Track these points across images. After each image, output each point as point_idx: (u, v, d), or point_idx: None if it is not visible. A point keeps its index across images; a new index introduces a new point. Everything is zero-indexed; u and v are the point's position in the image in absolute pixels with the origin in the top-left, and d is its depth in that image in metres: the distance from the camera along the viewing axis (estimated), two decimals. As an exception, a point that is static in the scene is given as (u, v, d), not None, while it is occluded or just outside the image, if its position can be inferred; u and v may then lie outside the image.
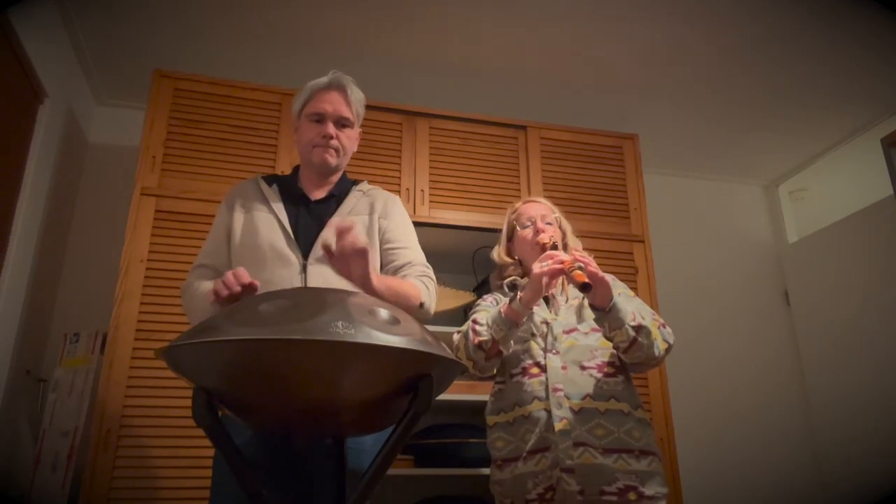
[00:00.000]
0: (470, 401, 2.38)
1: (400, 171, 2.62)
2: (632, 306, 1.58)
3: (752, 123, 3.28)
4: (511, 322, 1.57)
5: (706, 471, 3.13)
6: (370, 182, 1.74)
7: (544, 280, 1.53)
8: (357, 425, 1.14)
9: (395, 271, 1.55)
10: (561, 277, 1.62)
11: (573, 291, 1.71)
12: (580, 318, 1.67)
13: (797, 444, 3.37)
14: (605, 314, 1.52)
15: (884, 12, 2.47)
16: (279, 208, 1.56)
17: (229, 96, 2.52)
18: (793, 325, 3.60)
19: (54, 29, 2.42)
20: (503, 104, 3.05)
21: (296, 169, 1.69)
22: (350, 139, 1.62)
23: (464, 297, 2.65)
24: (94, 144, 2.91)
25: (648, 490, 1.51)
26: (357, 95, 1.62)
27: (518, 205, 1.88)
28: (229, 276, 1.28)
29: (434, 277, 1.59)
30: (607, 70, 2.87)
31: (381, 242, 1.58)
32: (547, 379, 1.58)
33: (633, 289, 2.00)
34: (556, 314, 1.69)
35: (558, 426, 1.53)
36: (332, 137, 1.56)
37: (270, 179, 1.65)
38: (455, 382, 1.77)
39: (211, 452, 1.41)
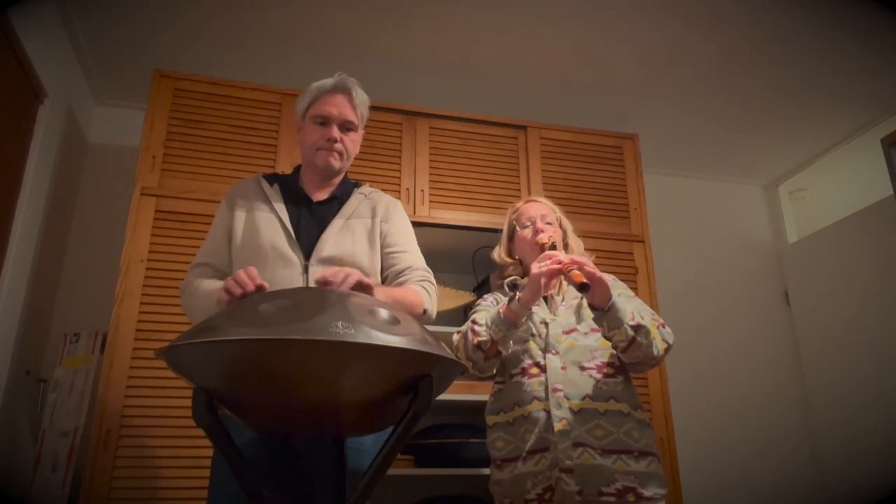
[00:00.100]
0: (470, 401, 2.38)
1: (400, 171, 2.62)
2: (631, 306, 1.58)
3: (752, 123, 3.28)
4: (510, 322, 1.57)
5: (706, 471, 3.13)
6: (370, 182, 1.74)
7: (543, 280, 1.53)
8: (357, 425, 1.14)
9: (396, 275, 1.56)
10: (560, 277, 1.62)
11: (572, 292, 1.71)
12: (579, 318, 1.67)
13: (797, 444, 3.37)
14: (604, 314, 1.52)
15: (884, 12, 2.47)
16: (281, 208, 1.56)
17: (229, 96, 2.52)
18: (793, 325, 3.60)
19: (54, 29, 2.42)
20: (503, 104, 3.05)
21: (297, 169, 1.69)
22: (354, 142, 1.62)
23: (464, 297, 2.65)
24: (94, 144, 2.91)
25: (647, 491, 1.51)
26: (362, 98, 1.62)
27: (519, 204, 1.88)
28: (242, 275, 1.26)
29: (434, 282, 1.59)
30: (607, 70, 2.87)
31: (383, 246, 1.59)
32: (546, 379, 1.58)
33: (633, 289, 2.00)
34: (555, 314, 1.69)
35: (558, 426, 1.53)
36: (336, 141, 1.56)
37: (272, 179, 1.65)
38: (455, 382, 1.77)
39: (211, 452, 1.41)
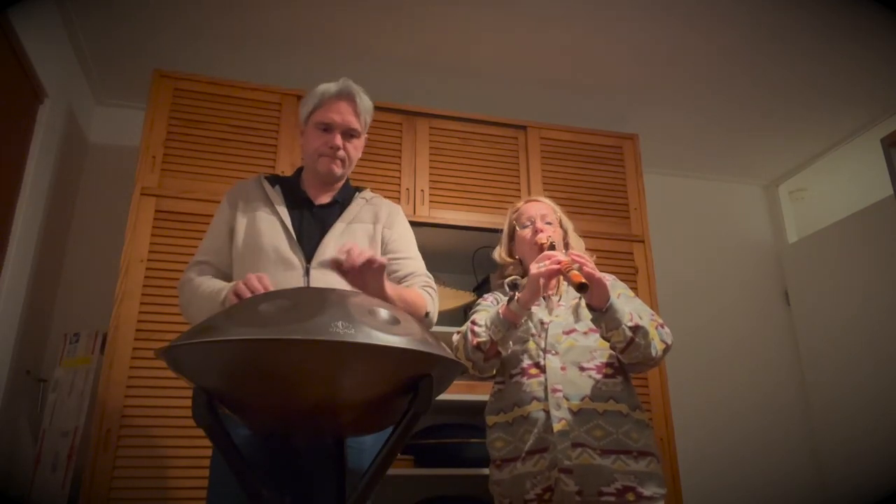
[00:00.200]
0: (470, 401, 2.38)
1: (400, 171, 2.62)
2: (630, 307, 1.58)
3: (752, 123, 3.28)
4: (509, 323, 1.57)
5: (706, 471, 3.13)
6: (371, 182, 1.74)
7: (541, 281, 1.53)
8: (357, 425, 1.14)
9: (399, 281, 1.57)
10: (559, 278, 1.62)
11: (571, 292, 1.71)
12: (577, 317, 1.67)
13: (797, 444, 3.37)
14: (602, 315, 1.52)
15: (884, 12, 2.47)
16: (283, 211, 1.56)
17: (229, 96, 2.52)
18: (793, 325, 3.60)
19: (54, 29, 2.42)
20: (503, 104, 3.05)
21: (298, 171, 1.69)
22: (356, 149, 1.63)
23: (464, 297, 2.65)
24: (94, 144, 2.91)
25: (647, 490, 1.51)
26: (365, 104, 1.62)
27: (519, 204, 1.88)
28: (254, 280, 1.28)
29: (435, 287, 1.61)
30: (607, 70, 2.87)
31: (385, 252, 1.59)
32: (546, 380, 1.58)
33: (633, 289, 2.00)
34: (553, 315, 1.69)
35: (557, 427, 1.53)
36: (339, 148, 1.57)
37: (273, 180, 1.65)
38: (455, 382, 1.77)
39: (211, 452, 1.41)
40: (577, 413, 1.54)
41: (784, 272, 3.70)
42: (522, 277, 1.76)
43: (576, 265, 1.48)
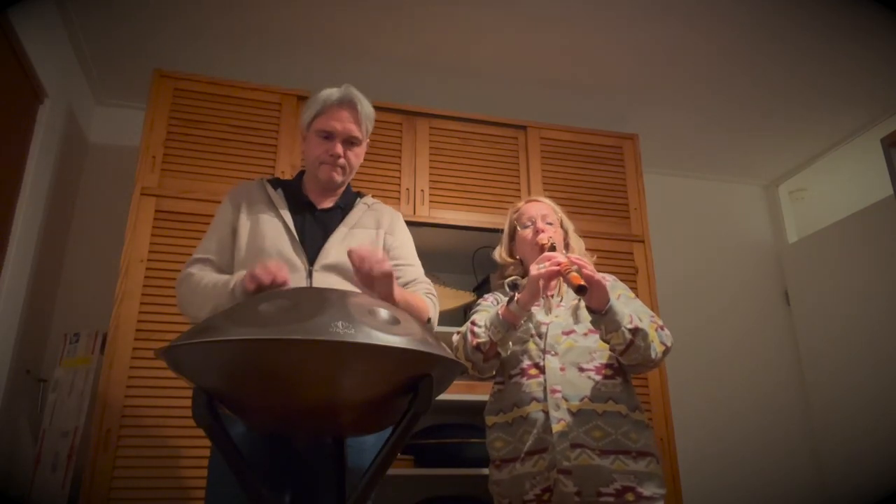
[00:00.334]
0: (470, 401, 2.38)
1: (400, 171, 2.62)
2: (629, 308, 1.58)
3: (752, 123, 3.28)
4: (508, 324, 1.57)
5: (706, 471, 3.12)
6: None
7: (541, 282, 1.53)
8: (357, 425, 1.14)
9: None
10: (559, 279, 1.62)
11: (570, 293, 1.71)
12: (576, 318, 1.67)
13: (797, 444, 3.37)
14: (601, 317, 1.51)
15: (884, 12, 2.47)
16: (286, 214, 1.57)
17: (229, 96, 2.51)
18: (793, 324, 3.60)
19: (54, 29, 2.42)
20: (503, 104, 3.05)
21: (300, 175, 1.70)
22: (357, 156, 1.64)
23: (464, 297, 2.65)
24: (94, 144, 2.91)
25: (646, 490, 1.51)
26: (367, 111, 1.62)
27: (520, 204, 1.88)
28: (272, 263, 1.29)
29: (435, 293, 1.62)
30: (607, 70, 2.87)
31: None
32: (545, 380, 1.58)
33: (633, 289, 2.00)
34: (553, 315, 1.69)
35: (556, 428, 1.52)
36: (339, 157, 1.57)
37: (275, 183, 1.66)
38: (455, 382, 1.77)
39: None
40: (576, 414, 1.54)
41: (784, 272, 3.70)
42: (523, 278, 1.76)
43: (575, 267, 1.48)
